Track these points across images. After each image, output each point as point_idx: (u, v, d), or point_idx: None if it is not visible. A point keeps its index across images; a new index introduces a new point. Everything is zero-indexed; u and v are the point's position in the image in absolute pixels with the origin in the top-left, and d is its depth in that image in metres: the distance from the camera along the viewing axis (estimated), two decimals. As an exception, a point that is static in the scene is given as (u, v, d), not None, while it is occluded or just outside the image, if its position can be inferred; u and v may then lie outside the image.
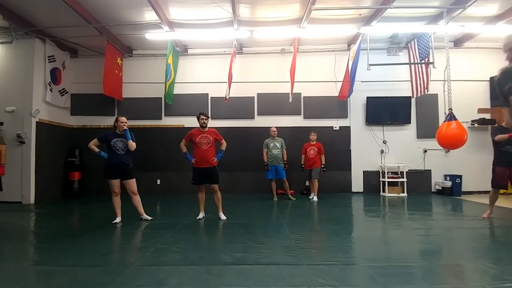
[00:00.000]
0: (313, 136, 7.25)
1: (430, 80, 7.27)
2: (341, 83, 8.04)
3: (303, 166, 7.28)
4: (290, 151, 7.43)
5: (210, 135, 4.91)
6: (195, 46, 8.46)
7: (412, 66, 7.69)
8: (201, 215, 4.96)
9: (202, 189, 4.97)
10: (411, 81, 7.73)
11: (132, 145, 4.73)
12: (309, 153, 7.21)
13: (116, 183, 4.67)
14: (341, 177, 8.18)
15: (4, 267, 2.83)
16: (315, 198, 7.09)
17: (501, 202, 6.16)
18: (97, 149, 4.68)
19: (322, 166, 7.15)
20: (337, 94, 8.16)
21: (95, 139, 4.72)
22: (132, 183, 4.79)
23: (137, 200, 4.88)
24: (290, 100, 7.52)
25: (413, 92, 7.78)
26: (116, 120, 4.74)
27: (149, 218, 4.87)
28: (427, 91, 7.34)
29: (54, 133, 7.64)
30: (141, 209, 4.91)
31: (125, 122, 4.73)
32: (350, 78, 7.50)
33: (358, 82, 7.67)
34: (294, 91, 7.46)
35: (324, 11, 6.41)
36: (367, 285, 2.38)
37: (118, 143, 4.68)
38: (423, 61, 7.24)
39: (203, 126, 4.92)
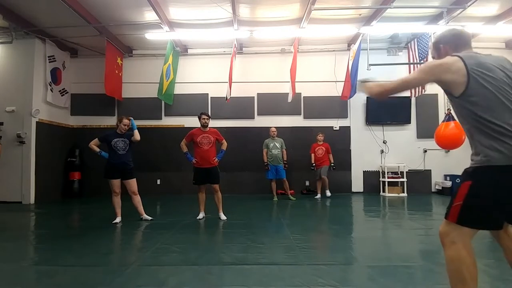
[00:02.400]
0: (320, 137, 7.49)
1: (429, 80, 7.26)
2: (343, 83, 8.03)
3: (314, 165, 7.42)
4: (290, 151, 7.44)
5: (211, 135, 4.91)
6: (195, 46, 8.46)
7: (412, 66, 7.69)
8: (201, 215, 4.95)
9: (203, 189, 4.97)
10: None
11: (137, 135, 4.78)
12: (317, 153, 7.43)
13: (116, 183, 4.67)
14: (341, 177, 8.17)
15: (4, 267, 2.83)
16: (329, 194, 7.40)
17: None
18: (97, 149, 4.68)
19: (332, 164, 7.44)
20: (337, 94, 8.16)
21: (96, 139, 4.72)
22: (133, 183, 4.79)
23: (137, 200, 4.88)
24: (289, 100, 7.51)
25: (411, 92, 7.79)
26: (120, 120, 4.75)
27: (149, 218, 4.86)
28: (424, 91, 7.34)
29: (54, 133, 7.64)
30: (141, 209, 4.91)
31: (128, 125, 4.75)
32: (350, 79, 7.51)
33: (358, 82, 7.65)
34: (294, 91, 7.46)
35: (324, 11, 6.41)
36: (367, 285, 2.38)
37: (119, 143, 4.68)
38: (422, 61, 7.24)
39: (204, 126, 4.91)
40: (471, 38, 1.75)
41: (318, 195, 7.43)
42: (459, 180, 1.62)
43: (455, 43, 1.72)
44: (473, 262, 1.57)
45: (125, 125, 4.70)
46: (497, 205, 1.49)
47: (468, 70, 1.53)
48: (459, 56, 1.58)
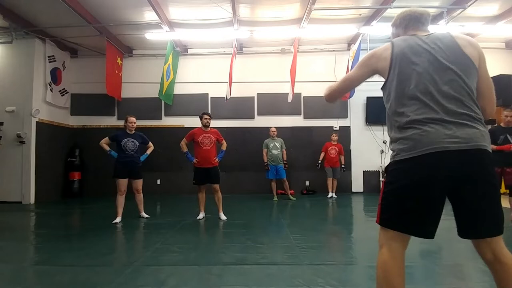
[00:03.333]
0: (334, 137, 7.55)
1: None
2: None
3: (320, 163, 7.47)
4: (290, 151, 7.45)
5: (212, 135, 4.91)
6: (195, 46, 8.46)
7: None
8: (201, 215, 4.95)
9: (203, 189, 4.97)
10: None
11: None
12: (330, 152, 7.45)
13: (123, 182, 4.73)
14: (341, 177, 8.15)
15: (4, 267, 2.83)
16: (334, 196, 7.36)
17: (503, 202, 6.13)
18: (108, 148, 4.73)
19: (342, 166, 7.52)
20: (337, 94, 8.15)
21: (107, 138, 4.79)
22: (139, 182, 4.90)
23: (140, 198, 4.96)
24: (290, 100, 7.52)
25: None
26: (126, 120, 4.82)
27: (146, 216, 4.96)
28: None
29: (54, 133, 7.64)
30: (141, 207, 5.00)
31: (134, 122, 4.83)
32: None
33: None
34: (294, 91, 7.46)
35: (324, 11, 6.41)
36: (367, 285, 2.38)
37: (128, 144, 4.73)
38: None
39: (206, 126, 4.91)
40: (426, 18, 1.55)
41: (330, 194, 7.42)
42: None
43: (404, 25, 1.58)
44: (397, 271, 1.36)
45: (131, 122, 4.78)
46: (409, 203, 1.33)
47: (392, 57, 1.40)
48: (392, 42, 1.46)
